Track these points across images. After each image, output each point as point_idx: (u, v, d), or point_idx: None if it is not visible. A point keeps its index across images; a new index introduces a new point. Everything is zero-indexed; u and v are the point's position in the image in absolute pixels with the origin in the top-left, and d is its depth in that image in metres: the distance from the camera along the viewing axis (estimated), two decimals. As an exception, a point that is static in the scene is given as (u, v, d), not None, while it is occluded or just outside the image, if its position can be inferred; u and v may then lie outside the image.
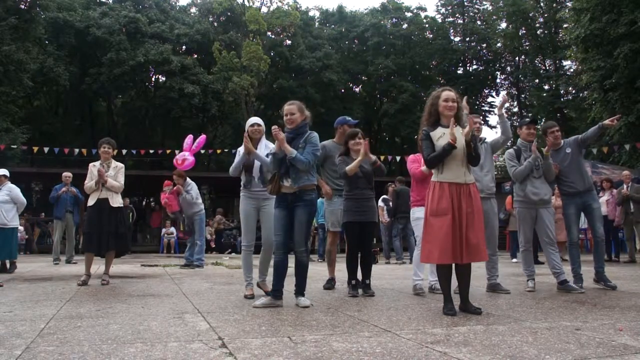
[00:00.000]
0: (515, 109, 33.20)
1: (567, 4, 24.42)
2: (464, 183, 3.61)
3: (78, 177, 9.10)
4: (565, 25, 22.86)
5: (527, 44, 30.84)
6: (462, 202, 3.54)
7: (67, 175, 10.06)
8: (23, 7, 21.25)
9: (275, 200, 4.14)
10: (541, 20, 29.86)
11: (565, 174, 5.08)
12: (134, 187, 17.51)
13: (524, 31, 30.52)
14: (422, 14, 33.90)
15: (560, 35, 27.18)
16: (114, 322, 3.24)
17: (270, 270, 4.30)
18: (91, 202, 5.88)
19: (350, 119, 5.48)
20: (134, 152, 18.40)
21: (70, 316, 3.51)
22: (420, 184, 4.78)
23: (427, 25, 33.57)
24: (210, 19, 30.55)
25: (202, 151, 23.38)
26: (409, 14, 33.67)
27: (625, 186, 9.86)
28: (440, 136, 3.63)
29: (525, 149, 5.05)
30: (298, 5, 31.94)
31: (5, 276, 6.82)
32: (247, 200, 4.55)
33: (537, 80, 30.45)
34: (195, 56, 29.05)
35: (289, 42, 31.65)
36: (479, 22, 33.30)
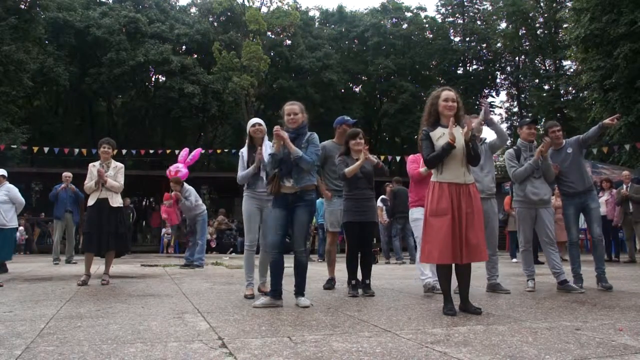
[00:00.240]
0: (515, 109, 33.22)
1: (567, 4, 24.42)
2: (463, 183, 3.61)
3: (78, 177, 9.09)
4: (565, 25, 22.86)
5: (527, 44, 30.85)
6: (461, 202, 3.54)
7: (67, 175, 10.07)
8: (23, 7, 21.25)
9: (274, 200, 4.11)
10: (541, 20, 29.87)
11: (565, 174, 5.08)
12: (134, 187, 17.52)
13: (524, 31, 30.53)
14: (422, 14, 33.92)
15: (560, 35, 27.18)
16: (114, 322, 3.24)
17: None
18: (91, 202, 5.88)
19: (349, 118, 5.48)
20: (133, 152, 18.40)
21: (70, 316, 3.51)
22: (419, 185, 4.79)
23: (427, 25, 33.58)
24: (210, 19, 30.55)
25: (202, 151, 23.44)
26: (409, 14, 33.68)
27: (624, 186, 9.87)
28: (440, 136, 3.63)
29: (525, 149, 5.05)
30: (298, 5, 31.96)
31: (5, 276, 6.83)
32: (250, 201, 4.55)
33: (537, 80, 30.46)
34: (195, 56, 29.05)
35: (289, 42, 31.65)
36: (479, 22, 33.30)
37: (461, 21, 33.41)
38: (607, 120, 5.05)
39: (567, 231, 5.21)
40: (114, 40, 25.36)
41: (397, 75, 31.28)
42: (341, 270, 5.37)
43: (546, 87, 29.36)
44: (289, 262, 4.08)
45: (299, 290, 4.05)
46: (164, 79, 28.18)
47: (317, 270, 7.39)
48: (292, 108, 4.13)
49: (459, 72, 33.23)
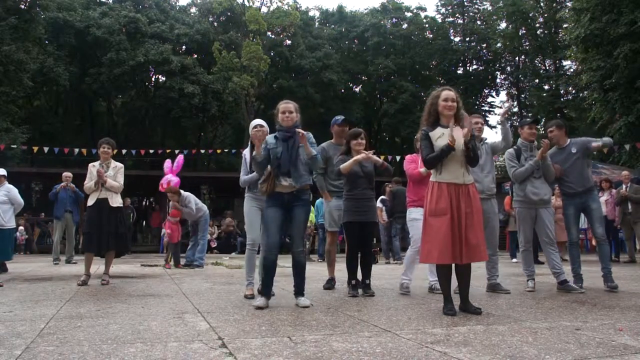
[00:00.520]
0: (515, 109, 33.20)
1: (567, 4, 24.42)
2: (462, 183, 3.61)
3: (78, 177, 9.08)
4: (565, 25, 22.86)
5: (527, 44, 30.85)
6: (461, 202, 3.54)
7: (67, 175, 10.06)
8: (23, 7, 21.25)
9: (268, 199, 4.05)
10: (541, 20, 29.87)
11: (566, 173, 5.06)
12: (134, 187, 17.52)
13: (524, 31, 30.52)
14: (422, 14, 33.96)
15: (560, 35, 27.19)
16: (114, 322, 3.24)
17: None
18: (91, 202, 5.87)
19: (337, 117, 5.48)
20: (133, 152, 18.40)
21: (70, 316, 3.51)
22: (417, 185, 4.79)
23: (427, 25, 33.60)
24: (210, 19, 30.56)
25: (202, 151, 23.47)
26: (409, 14, 33.70)
27: (624, 186, 9.86)
28: (440, 136, 3.63)
29: (526, 149, 5.04)
30: (298, 5, 31.97)
31: (5, 276, 6.83)
32: (251, 202, 4.56)
33: (537, 80, 30.47)
34: (195, 56, 29.05)
35: (289, 42, 31.66)
36: (479, 22, 33.32)
37: (461, 21, 33.43)
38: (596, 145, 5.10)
39: (567, 231, 5.20)
40: (114, 40, 25.36)
41: (397, 75, 31.29)
42: (341, 270, 5.37)
43: (546, 87, 29.37)
44: (288, 263, 4.08)
45: (299, 291, 4.05)
46: (164, 79, 28.19)
47: (317, 270, 7.38)
48: (287, 106, 4.11)
49: (459, 72, 33.25)
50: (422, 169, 4.67)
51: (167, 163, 9.40)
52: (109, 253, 5.98)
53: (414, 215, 4.80)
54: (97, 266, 6.98)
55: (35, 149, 17.88)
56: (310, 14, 35.19)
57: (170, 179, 9.13)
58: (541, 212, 4.95)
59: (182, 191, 8.84)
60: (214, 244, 15.50)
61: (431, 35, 33.64)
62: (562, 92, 27.88)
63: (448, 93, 3.67)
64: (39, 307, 3.95)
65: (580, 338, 2.72)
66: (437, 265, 3.67)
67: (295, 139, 4.02)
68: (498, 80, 33.82)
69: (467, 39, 32.98)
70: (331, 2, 73.48)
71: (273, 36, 30.58)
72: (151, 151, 19.12)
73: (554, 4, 27.71)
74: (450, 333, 2.87)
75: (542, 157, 4.90)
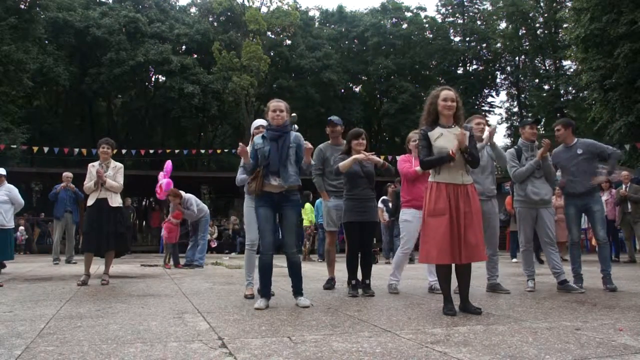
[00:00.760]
0: (515, 109, 33.23)
1: (567, 4, 24.44)
2: (461, 184, 3.61)
3: (78, 177, 9.08)
4: (565, 25, 22.87)
5: (527, 44, 30.86)
6: (459, 203, 3.54)
7: (67, 175, 10.06)
8: (23, 7, 21.26)
9: (258, 199, 4.02)
10: (541, 20, 29.89)
11: (569, 173, 5.04)
12: (134, 187, 17.51)
13: (524, 31, 30.54)
14: (422, 14, 33.97)
15: (560, 35, 27.20)
16: (114, 322, 3.24)
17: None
18: (90, 202, 5.87)
19: (330, 118, 5.51)
20: (133, 152, 18.40)
21: (70, 316, 3.51)
22: (411, 184, 4.81)
23: (427, 25, 33.60)
24: (210, 19, 30.58)
25: (203, 151, 23.47)
26: (408, 14, 33.71)
27: (624, 186, 9.86)
28: (439, 136, 3.62)
29: (526, 149, 5.04)
30: (298, 5, 31.98)
31: (5, 276, 6.82)
32: (251, 202, 4.54)
33: (537, 80, 30.48)
34: (195, 56, 29.06)
35: (289, 42, 31.67)
36: (479, 22, 33.32)
37: (461, 21, 33.44)
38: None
39: (568, 231, 5.19)
40: (113, 40, 25.37)
41: (397, 75, 31.30)
42: (341, 270, 5.37)
43: (546, 87, 29.38)
44: (285, 262, 4.07)
45: (298, 290, 4.04)
46: (163, 79, 28.20)
47: (317, 270, 7.39)
48: (278, 105, 4.07)
49: (459, 72, 33.26)
50: (418, 168, 4.69)
51: (161, 174, 9.43)
52: (108, 253, 5.98)
53: (406, 217, 4.83)
54: (97, 266, 6.98)
55: (35, 149, 17.89)
56: (310, 14, 35.25)
57: (160, 182, 9.13)
58: (542, 212, 4.94)
59: (183, 193, 8.81)
60: (214, 244, 15.50)
61: (431, 35, 33.65)
62: (562, 92, 27.89)
63: (447, 93, 3.66)
64: (39, 307, 3.95)
65: (580, 338, 2.72)
66: (437, 266, 3.67)
67: (286, 138, 4.00)
68: (498, 80, 33.87)
69: (467, 39, 32.98)
70: (331, 2, 73.55)
71: (273, 36, 30.60)
72: (151, 151, 19.13)
73: (554, 4, 27.72)
74: (450, 333, 2.87)
75: (542, 157, 4.90)
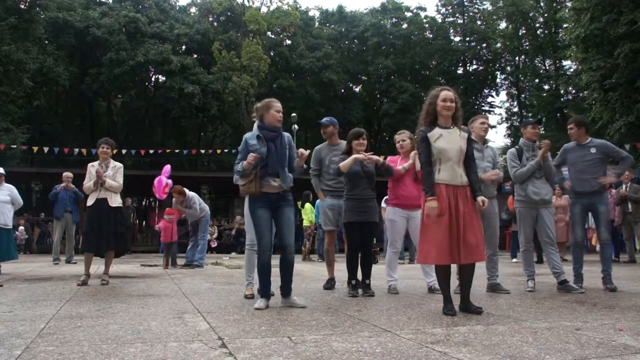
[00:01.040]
0: (515, 109, 33.23)
1: (567, 3, 24.40)
2: (460, 185, 3.61)
3: (78, 177, 9.07)
4: (565, 25, 22.86)
5: (527, 44, 30.86)
6: (459, 203, 3.54)
7: (67, 175, 10.06)
8: (23, 7, 21.26)
9: (255, 200, 3.98)
10: (541, 20, 29.88)
11: (579, 171, 5.03)
12: (134, 187, 17.53)
13: (524, 31, 30.53)
14: (422, 14, 33.98)
15: (560, 35, 27.18)
16: (114, 322, 3.24)
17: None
18: (90, 202, 5.87)
19: (322, 120, 5.52)
20: (133, 152, 18.40)
21: (70, 316, 3.51)
22: (396, 184, 4.86)
23: (427, 25, 33.60)
24: (210, 19, 30.58)
25: (203, 151, 23.48)
26: (408, 14, 33.72)
27: (624, 186, 9.86)
28: (438, 137, 3.61)
29: (528, 149, 5.04)
30: (298, 5, 31.98)
31: (5, 276, 6.82)
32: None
33: (537, 80, 30.47)
34: (195, 56, 29.06)
35: (289, 42, 31.67)
36: (479, 22, 33.31)
37: (461, 21, 33.43)
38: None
39: (572, 230, 5.19)
40: (113, 40, 25.37)
41: (397, 75, 31.30)
42: (341, 270, 5.37)
43: (546, 87, 29.38)
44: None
45: (288, 291, 3.98)
46: (163, 79, 28.20)
47: (317, 270, 7.40)
48: (280, 106, 4.08)
49: (459, 72, 33.26)
50: (401, 167, 4.77)
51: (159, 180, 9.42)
52: (108, 253, 5.98)
53: (391, 217, 4.84)
54: (97, 266, 6.98)
55: (35, 149, 17.90)
56: (310, 14, 35.26)
57: (155, 183, 9.13)
58: (542, 212, 4.95)
59: (186, 191, 8.80)
60: (214, 244, 15.51)
61: (431, 35, 33.65)
62: (562, 92, 27.88)
63: (447, 93, 3.66)
64: (39, 307, 3.95)
65: (580, 338, 2.72)
66: (436, 266, 3.67)
67: (282, 139, 4.01)
68: (498, 80, 33.87)
69: (467, 39, 32.98)
70: (331, 2, 73.62)
71: (273, 36, 30.60)
72: (151, 151, 19.14)
73: (554, 4, 27.70)
74: (450, 333, 2.87)
75: (542, 157, 4.90)
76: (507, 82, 33.76)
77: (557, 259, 4.92)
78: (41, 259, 11.43)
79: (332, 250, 5.42)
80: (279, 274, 4.00)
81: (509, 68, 33.19)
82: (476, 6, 33.54)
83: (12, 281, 6.16)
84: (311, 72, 30.09)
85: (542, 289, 5.05)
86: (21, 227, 14.99)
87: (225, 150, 23.82)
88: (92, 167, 5.93)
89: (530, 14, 29.70)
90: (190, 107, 26.63)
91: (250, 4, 29.07)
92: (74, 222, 10.12)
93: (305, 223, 11.94)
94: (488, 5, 32.90)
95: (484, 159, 4.82)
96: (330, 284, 5.22)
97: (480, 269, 5.10)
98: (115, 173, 5.95)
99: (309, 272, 7.45)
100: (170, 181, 9.35)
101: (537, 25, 30.27)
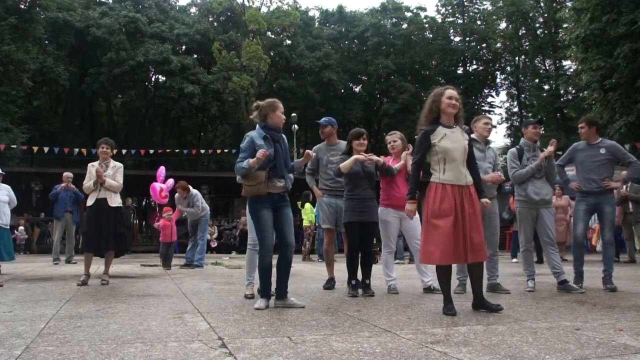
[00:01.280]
0: (515, 109, 33.23)
1: (567, 3, 24.43)
2: (465, 184, 3.61)
3: (78, 177, 9.06)
4: (565, 25, 22.86)
5: (527, 44, 30.87)
6: (464, 203, 3.55)
7: (68, 175, 10.05)
8: (23, 7, 21.28)
9: (260, 201, 3.94)
10: (541, 20, 29.89)
11: (587, 170, 5.01)
12: (134, 187, 17.54)
13: (524, 31, 30.54)
14: (422, 14, 33.97)
15: (560, 35, 27.19)
16: (114, 322, 3.24)
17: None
18: (90, 202, 5.87)
19: (319, 121, 5.51)
20: (133, 152, 18.39)
21: (70, 316, 3.51)
22: (389, 185, 4.86)
23: (427, 25, 33.61)
24: (210, 19, 30.57)
25: (203, 151, 23.48)
26: (408, 14, 33.72)
27: (624, 186, 9.86)
28: (442, 137, 3.59)
29: (528, 149, 5.04)
30: (298, 5, 31.98)
31: (5, 276, 6.82)
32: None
33: (537, 80, 30.49)
34: (195, 56, 29.08)
35: (289, 42, 31.67)
36: (479, 22, 33.32)
37: (461, 21, 33.43)
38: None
39: (574, 227, 5.18)
40: (113, 40, 25.38)
41: (397, 75, 31.31)
42: (341, 270, 5.37)
43: (546, 87, 29.39)
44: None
45: (285, 292, 3.96)
46: (163, 79, 28.21)
47: (317, 271, 7.40)
48: (282, 107, 4.12)
49: (459, 72, 33.26)
50: (394, 166, 4.78)
51: (155, 186, 9.38)
52: (108, 253, 5.97)
53: (385, 217, 4.84)
54: (97, 266, 6.98)
55: (35, 149, 17.90)
56: (310, 14, 35.26)
57: (150, 192, 9.11)
58: (542, 212, 4.94)
59: (190, 188, 8.80)
60: (214, 244, 15.49)
61: (431, 35, 33.66)
62: (562, 92, 27.89)
63: (452, 92, 3.66)
64: (39, 307, 3.95)
65: (580, 338, 2.72)
66: (437, 266, 3.67)
67: (284, 140, 4.04)
68: (498, 80, 33.88)
69: (467, 39, 32.98)
70: (331, 2, 73.63)
71: (273, 36, 30.59)
72: (151, 151, 19.14)
73: (554, 4, 27.71)
74: (450, 333, 2.87)
75: (545, 158, 4.88)
76: (507, 82, 33.79)
77: (557, 259, 4.92)
78: (41, 259, 11.42)
79: (331, 250, 5.42)
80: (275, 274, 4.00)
81: (509, 68, 33.20)
82: (476, 6, 33.56)
83: (12, 281, 6.16)
84: (311, 72, 30.09)
85: (542, 289, 5.04)
86: (21, 227, 15.00)
87: (225, 150, 23.83)
88: (92, 167, 5.93)
89: (530, 14, 29.72)
90: (190, 107, 26.64)
91: (250, 4, 29.08)
92: (74, 222, 10.12)
93: (305, 223, 11.93)
94: (488, 5, 32.94)
95: (486, 159, 4.82)
96: (330, 284, 5.22)
97: (480, 269, 5.11)
98: (115, 173, 5.95)
99: (309, 272, 7.45)
100: (165, 185, 9.32)
101: (537, 25, 30.29)
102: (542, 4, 29.15)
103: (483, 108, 32.51)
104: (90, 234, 5.83)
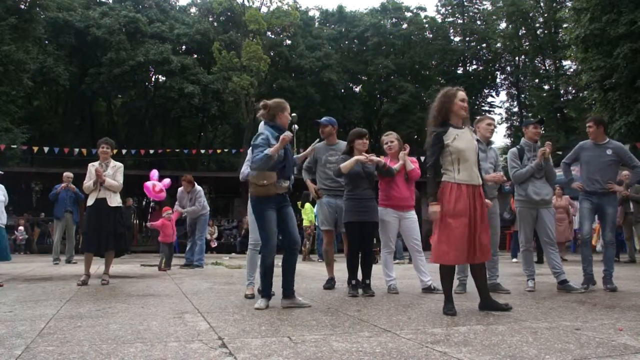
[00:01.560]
0: (515, 109, 33.23)
1: (567, 3, 24.42)
2: (477, 184, 3.63)
3: (78, 177, 9.04)
4: (565, 25, 22.85)
5: (527, 44, 30.86)
6: (476, 204, 3.56)
7: (68, 175, 10.05)
8: (23, 7, 21.28)
9: (267, 201, 3.93)
10: (541, 20, 29.88)
11: (592, 171, 5.01)
12: (134, 188, 17.53)
13: (524, 31, 30.53)
14: (422, 14, 33.93)
15: (560, 35, 27.18)
16: (114, 322, 3.24)
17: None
18: (90, 202, 5.87)
19: (320, 120, 5.51)
20: (133, 152, 18.39)
21: (70, 316, 3.51)
22: (387, 185, 4.87)
23: (427, 25, 33.58)
24: (210, 19, 30.56)
25: (203, 151, 23.45)
26: (408, 14, 33.69)
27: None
28: (455, 138, 3.59)
29: (529, 149, 5.04)
30: (298, 5, 31.96)
31: (5, 276, 6.82)
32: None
33: (537, 80, 30.47)
34: (195, 56, 29.07)
35: (289, 42, 31.66)
36: (478, 22, 33.31)
37: (461, 21, 33.42)
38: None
39: (580, 226, 5.18)
40: (113, 40, 25.37)
41: (397, 75, 31.29)
42: (341, 270, 5.37)
43: (546, 87, 29.38)
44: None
45: (292, 291, 3.96)
46: (164, 79, 28.21)
47: (317, 271, 7.40)
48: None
49: (459, 72, 33.24)
50: (393, 166, 4.77)
51: (147, 184, 9.36)
52: (108, 253, 5.98)
53: (385, 217, 4.84)
54: (97, 266, 6.98)
55: (35, 149, 17.90)
56: (310, 14, 35.23)
57: (159, 186, 9.12)
58: (542, 212, 4.95)
59: (196, 183, 8.80)
60: (214, 244, 15.49)
61: (431, 35, 33.63)
62: (562, 92, 27.88)
63: (463, 94, 3.68)
64: (39, 307, 3.95)
65: (580, 338, 2.72)
66: (441, 265, 3.66)
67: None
68: (498, 80, 33.87)
69: (467, 39, 32.97)
70: (331, 2, 73.61)
71: (273, 36, 30.58)
72: (151, 151, 19.14)
73: (554, 4, 27.70)
74: (450, 333, 2.88)
75: (543, 158, 4.89)
76: (507, 82, 33.78)
77: (557, 259, 4.93)
78: (41, 259, 11.42)
79: (330, 250, 5.42)
80: (279, 274, 4.00)
81: (509, 68, 33.19)
82: (476, 6, 33.55)
83: (12, 281, 6.16)
84: (311, 72, 30.08)
85: (542, 289, 5.04)
86: (21, 227, 14.99)
87: (225, 150, 23.82)
88: (92, 167, 5.94)
89: (530, 14, 29.70)
90: (190, 107, 26.62)
91: (250, 4, 29.07)
92: (74, 222, 10.12)
93: (305, 223, 11.93)
94: (488, 5, 32.92)
95: (487, 159, 4.83)
96: (330, 284, 5.22)
97: (480, 269, 5.11)
98: (115, 172, 5.95)
99: (309, 272, 7.44)
100: (159, 183, 9.30)
101: (537, 25, 30.27)
102: (542, 4, 29.14)
103: (483, 108, 32.50)
104: (90, 234, 5.83)
